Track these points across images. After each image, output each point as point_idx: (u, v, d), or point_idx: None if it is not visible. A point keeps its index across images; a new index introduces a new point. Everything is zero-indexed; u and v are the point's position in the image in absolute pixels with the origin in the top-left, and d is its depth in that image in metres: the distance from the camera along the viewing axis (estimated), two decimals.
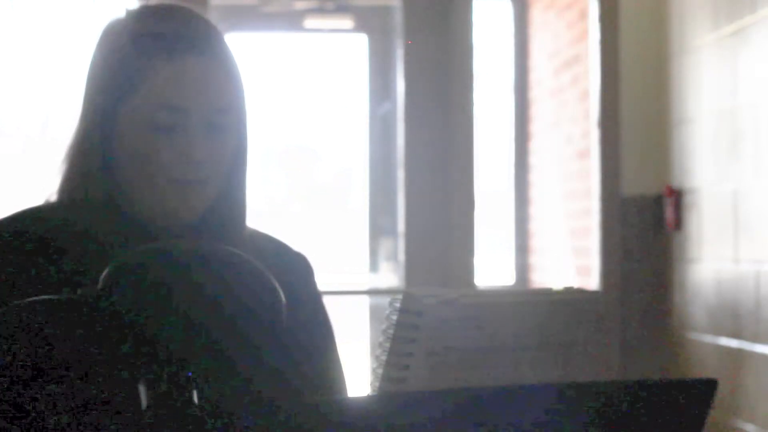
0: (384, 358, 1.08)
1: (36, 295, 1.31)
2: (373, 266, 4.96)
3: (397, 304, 1.07)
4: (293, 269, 1.18)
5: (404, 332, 1.07)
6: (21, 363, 1.06)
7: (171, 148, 1.36)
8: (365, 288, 5.00)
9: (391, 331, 1.07)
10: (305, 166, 8.21)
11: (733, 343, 3.29)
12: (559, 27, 4.58)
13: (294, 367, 1.39)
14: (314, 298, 1.49)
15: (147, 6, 1.43)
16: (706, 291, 3.48)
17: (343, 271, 6.57)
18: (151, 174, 1.36)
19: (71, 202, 1.40)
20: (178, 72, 1.35)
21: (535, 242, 4.91)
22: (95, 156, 1.38)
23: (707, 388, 1.05)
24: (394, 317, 1.07)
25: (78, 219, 1.38)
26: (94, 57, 1.41)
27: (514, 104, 5.02)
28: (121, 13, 1.41)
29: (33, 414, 1.06)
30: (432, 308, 1.07)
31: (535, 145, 4.92)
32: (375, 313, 4.93)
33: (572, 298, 1.17)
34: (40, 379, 1.06)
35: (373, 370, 1.10)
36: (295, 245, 1.54)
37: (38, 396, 1.06)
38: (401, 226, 4.60)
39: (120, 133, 1.37)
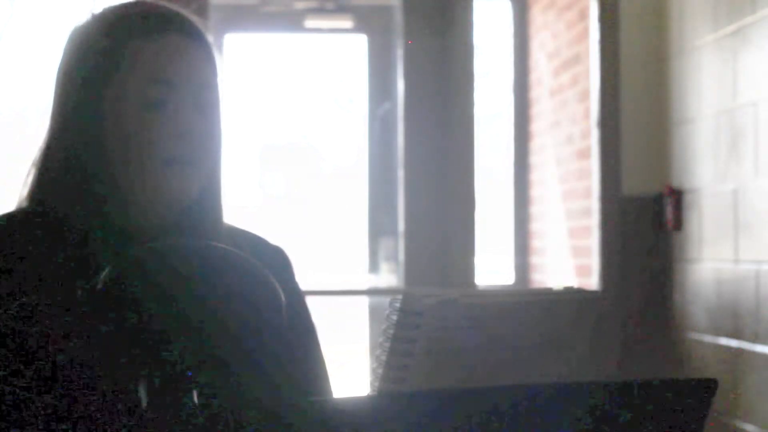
0: (384, 358, 1.07)
1: (36, 291, 1.31)
2: (373, 266, 4.96)
3: (397, 304, 1.07)
4: (272, 264, 1.17)
5: (404, 332, 1.07)
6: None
7: (162, 125, 1.36)
8: (365, 288, 4.99)
9: (391, 331, 1.07)
10: (305, 166, 8.20)
11: (733, 343, 3.29)
12: (559, 27, 4.58)
13: (285, 366, 1.39)
14: (296, 294, 1.47)
15: (113, 5, 1.45)
16: (706, 291, 3.48)
17: (342, 271, 6.56)
18: (143, 154, 1.36)
19: (55, 202, 1.38)
20: (163, 47, 1.38)
21: (535, 242, 4.91)
22: (83, 150, 1.37)
23: (707, 388, 1.05)
24: (394, 317, 1.07)
25: (64, 219, 1.37)
26: (67, 55, 1.42)
27: (514, 104, 5.01)
28: (87, 17, 1.43)
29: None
30: (432, 308, 1.07)
31: (535, 145, 4.92)
32: (375, 313, 4.93)
33: (572, 298, 1.17)
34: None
35: (373, 370, 1.10)
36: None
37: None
38: (401, 226, 4.60)
39: (109, 119, 1.37)
